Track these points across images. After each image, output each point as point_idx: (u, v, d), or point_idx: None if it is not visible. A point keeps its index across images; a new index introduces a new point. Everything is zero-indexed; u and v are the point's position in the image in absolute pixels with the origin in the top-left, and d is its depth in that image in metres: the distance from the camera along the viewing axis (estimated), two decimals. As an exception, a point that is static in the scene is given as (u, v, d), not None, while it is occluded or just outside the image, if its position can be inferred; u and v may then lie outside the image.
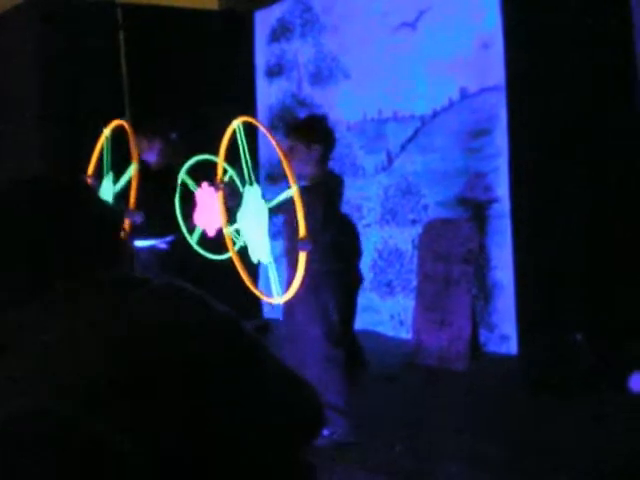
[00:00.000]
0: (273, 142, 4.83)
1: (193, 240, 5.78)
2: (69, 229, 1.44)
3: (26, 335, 1.35)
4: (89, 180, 6.04)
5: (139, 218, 5.66)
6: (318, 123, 5.20)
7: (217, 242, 5.57)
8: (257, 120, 5.31)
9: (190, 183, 5.89)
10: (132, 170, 5.60)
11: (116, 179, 5.87)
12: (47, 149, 8.22)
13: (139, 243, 5.90)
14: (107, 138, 6.07)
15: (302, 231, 4.55)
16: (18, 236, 1.42)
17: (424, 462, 4.81)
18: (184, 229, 5.89)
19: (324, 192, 4.97)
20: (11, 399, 1.24)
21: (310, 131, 5.08)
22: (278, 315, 9.00)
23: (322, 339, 4.91)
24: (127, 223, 5.58)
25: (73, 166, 6.77)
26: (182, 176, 5.93)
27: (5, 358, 1.33)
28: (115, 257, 1.49)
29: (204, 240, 5.75)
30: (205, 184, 5.81)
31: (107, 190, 5.87)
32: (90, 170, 6.05)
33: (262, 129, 5.20)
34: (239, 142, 5.10)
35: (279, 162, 7.01)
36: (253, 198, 4.96)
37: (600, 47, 5.85)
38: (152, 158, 5.99)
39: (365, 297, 8.24)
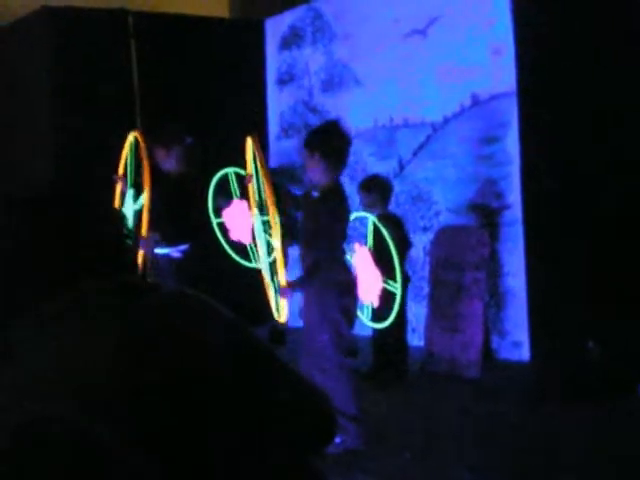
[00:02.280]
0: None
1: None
2: (72, 236, 1.44)
3: (30, 343, 1.35)
4: (119, 181, 6.11)
5: (152, 241, 5.81)
6: (321, 131, 5.10)
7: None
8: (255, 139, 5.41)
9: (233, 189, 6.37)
10: (144, 198, 5.79)
11: (136, 196, 6.00)
12: (59, 154, 8.25)
13: (156, 250, 5.94)
14: (131, 143, 6.15)
15: (282, 281, 4.87)
16: (20, 243, 1.43)
17: (434, 470, 4.79)
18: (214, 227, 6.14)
19: (330, 203, 4.92)
20: (18, 406, 1.25)
21: (311, 139, 5.00)
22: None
23: (329, 346, 4.91)
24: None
25: (85, 172, 6.81)
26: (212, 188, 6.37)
27: (10, 366, 1.33)
28: (121, 263, 1.49)
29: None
30: (236, 201, 6.14)
31: (128, 205, 5.98)
32: (120, 170, 6.11)
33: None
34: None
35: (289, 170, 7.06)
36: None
37: (612, 53, 5.84)
38: (171, 165, 5.96)
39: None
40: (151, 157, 5.91)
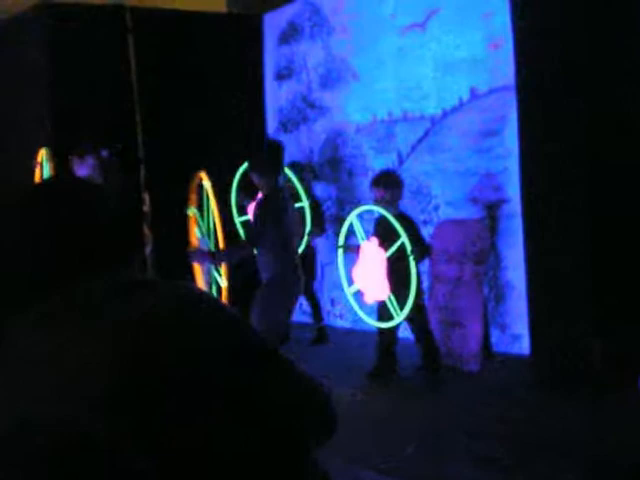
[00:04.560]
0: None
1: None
2: (71, 231, 1.44)
3: (27, 341, 1.35)
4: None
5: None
6: (258, 152, 5.88)
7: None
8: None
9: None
10: None
11: None
12: (57, 150, 8.25)
13: None
14: (42, 157, 7.00)
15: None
16: (15, 241, 1.42)
17: (435, 464, 4.80)
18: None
19: (268, 206, 5.55)
20: (15, 405, 1.25)
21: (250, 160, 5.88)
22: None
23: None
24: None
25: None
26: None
27: (6, 365, 1.33)
28: (119, 260, 1.49)
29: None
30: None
31: None
32: None
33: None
34: None
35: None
36: None
37: (610, 46, 5.84)
38: (84, 174, 6.45)
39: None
40: (65, 167, 6.63)
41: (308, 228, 7.48)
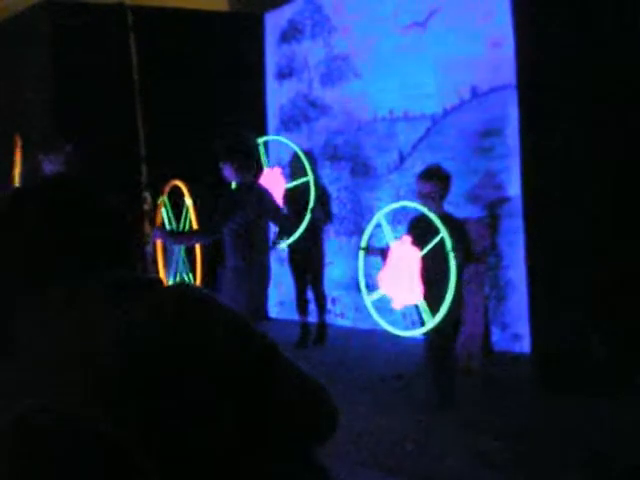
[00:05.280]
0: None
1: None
2: (70, 229, 1.44)
3: (31, 336, 1.35)
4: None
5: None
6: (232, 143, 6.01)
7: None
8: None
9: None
10: None
11: None
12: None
13: None
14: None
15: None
16: (18, 237, 1.43)
17: (436, 461, 4.80)
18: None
19: (235, 197, 5.84)
20: (20, 399, 1.25)
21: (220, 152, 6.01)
22: (284, 315, 9.04)
23: None
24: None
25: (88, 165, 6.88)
26: None
27: (11, 359, 1.34)
28: (120, 257, 1.49)
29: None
30: (267, 170, 6.88)
31: None
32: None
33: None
34: None
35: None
36: None
37: (612, 45, 5.83)
38: (52, 169, 6.72)
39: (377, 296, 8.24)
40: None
41: (311, 204, 7.19)
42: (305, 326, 8.07)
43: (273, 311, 9.51)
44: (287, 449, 1.45)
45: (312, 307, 8.22)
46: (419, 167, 7.89)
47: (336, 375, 6.40)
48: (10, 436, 1.21)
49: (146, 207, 6.60)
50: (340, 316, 8.84)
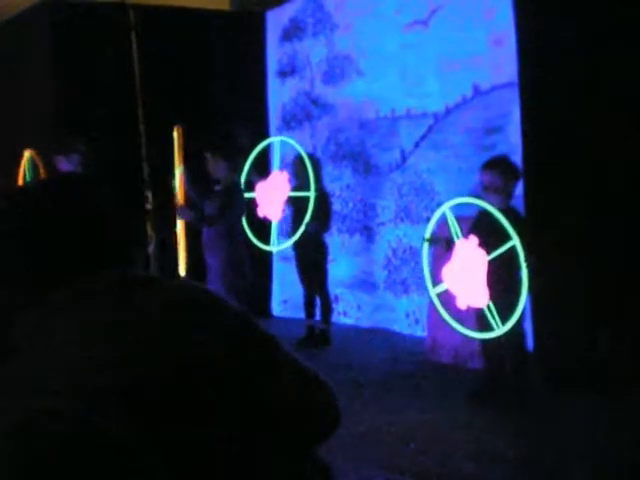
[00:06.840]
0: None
1: None
2: (71, 230, 1.44)
3: (32, 338, 1.35)
4: None
5: None
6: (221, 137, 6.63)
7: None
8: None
9: None
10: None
11: None
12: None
13: None
14: (28, 160, 7.69)
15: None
16: (19, 237, 1.42)
17: (439, 460, 4.80)
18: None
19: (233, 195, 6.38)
20: (25, 400, 1.25)
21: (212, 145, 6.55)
22: (287, 314, 9.03)
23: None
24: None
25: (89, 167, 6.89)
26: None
27: (16, 360, 1.33)
28: (122, 257, 1.48)
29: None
30: (275, 173, 7.22)
31: None
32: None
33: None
34: None
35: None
36: None
37: (614, 42, 5.82)
38: (67, 168, 7.01)
39: (380, 295, 8.24)
40: (49, 166, 7.24)
41: (307, 219, 7.31)
42: (311, 328, 8.01)
43: (276, 309, 9.51)
44: (292, 448, 1.45)
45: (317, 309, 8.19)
46: (422, 165, 7.92)
47: (338, 373, 6.40)
48: (12, 438, 1.21)
49: (148, 206, 6.59)
50: (342, 314, 8.84)
